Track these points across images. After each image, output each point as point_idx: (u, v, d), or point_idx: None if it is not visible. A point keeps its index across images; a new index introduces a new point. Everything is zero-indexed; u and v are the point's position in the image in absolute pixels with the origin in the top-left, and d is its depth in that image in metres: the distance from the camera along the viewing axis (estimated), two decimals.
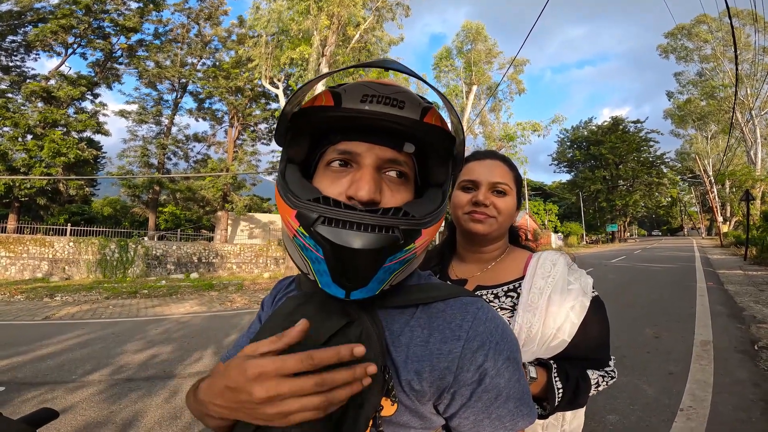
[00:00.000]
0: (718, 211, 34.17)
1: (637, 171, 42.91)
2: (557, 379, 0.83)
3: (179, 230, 19.03)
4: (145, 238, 17.74)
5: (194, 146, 24.52)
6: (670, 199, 53.86)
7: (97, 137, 20.46)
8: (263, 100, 22.78)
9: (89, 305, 8.24)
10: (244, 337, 0.69)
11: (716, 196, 34.68)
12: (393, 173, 0.53)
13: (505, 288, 0.93)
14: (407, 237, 0.48)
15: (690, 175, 44.42)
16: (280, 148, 0.59)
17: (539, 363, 0.86)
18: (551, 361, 0.86)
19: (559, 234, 39.23)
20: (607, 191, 43.93)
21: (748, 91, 29.90)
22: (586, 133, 46.19)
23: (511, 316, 0.89)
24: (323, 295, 0.55)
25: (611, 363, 0.93)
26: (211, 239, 20.82)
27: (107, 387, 3.51)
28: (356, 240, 0.45)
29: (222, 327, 6.14)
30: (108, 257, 14.31)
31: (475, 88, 21.08)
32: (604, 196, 43.85)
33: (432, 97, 32.71)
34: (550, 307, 0.86)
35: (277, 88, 15.31)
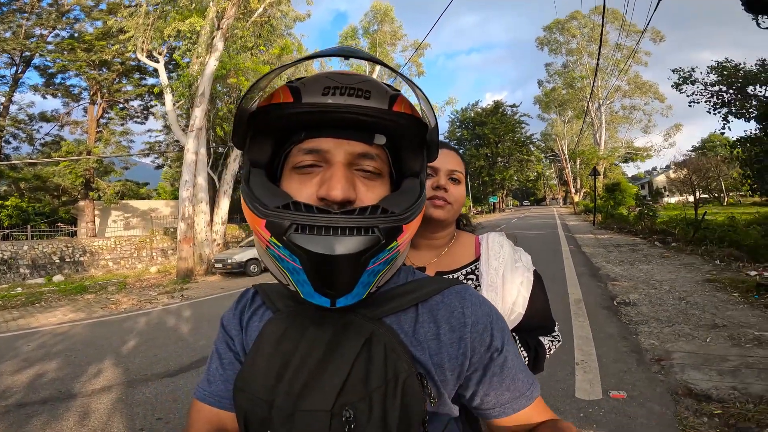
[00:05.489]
0: (572, 184, 41.00)
1: (512, 149, 48.39)
2: (521, 348, 0.91)
3: (29, 226, 15.47)
4: None
5: (41, 126, 20.11)
6: (536, 173, 62.35)
7: None
8: (137, 75, 19.67)
9: None
10: (218, 369, 0.59)
11: (570, 172, 41.38)
12: (366, 168, 0.50)
13: (464, 271, 0.97)
14: (388, 236, 0.44)
15: (551, 154, 51.96)
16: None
17: None
18: (513, 333, 0.93)
19: None
20: (488, 167, 48.86)
21: (599, 83, 35.49)
22: (472, 114, 50.21)
23: None
24: (311, 313, 0.51)
25: (556, 328, 1.03)
26: (74, 234, 17.49)
27: None
28: (334, 245, 0.41)
29: (114, 333, 5.36)
30: None
31: (378, 68, 21.14)
32: (486, 171, 48.69)
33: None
34: (505, 284, 0.92)
35: (157, 62, 13.43)
